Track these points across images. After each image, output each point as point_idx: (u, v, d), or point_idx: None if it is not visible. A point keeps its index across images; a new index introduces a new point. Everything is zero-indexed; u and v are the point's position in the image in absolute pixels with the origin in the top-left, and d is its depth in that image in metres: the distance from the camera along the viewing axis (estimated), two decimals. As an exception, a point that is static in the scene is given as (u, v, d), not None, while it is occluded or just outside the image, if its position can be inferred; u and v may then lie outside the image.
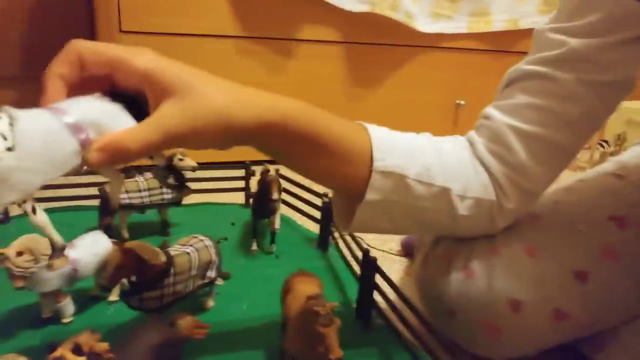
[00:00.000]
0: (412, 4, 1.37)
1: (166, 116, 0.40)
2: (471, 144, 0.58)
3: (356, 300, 0.71)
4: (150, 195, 0.86)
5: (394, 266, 0.89)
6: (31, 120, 0.36)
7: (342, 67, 1.41)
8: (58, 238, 0.42)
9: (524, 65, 0.57)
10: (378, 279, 0.67)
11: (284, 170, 0.90)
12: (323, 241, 0.91)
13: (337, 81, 1.41)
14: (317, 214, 0.95)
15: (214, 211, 1.06)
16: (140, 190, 0.85)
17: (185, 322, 0.54)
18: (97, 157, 0.38)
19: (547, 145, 0.54)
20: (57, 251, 0.41)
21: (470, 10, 1.45)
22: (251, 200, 1.07)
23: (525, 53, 1.63)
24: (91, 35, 1.55)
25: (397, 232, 0.78)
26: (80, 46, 0.41)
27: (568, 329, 0.54)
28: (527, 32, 1.54)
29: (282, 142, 0.47)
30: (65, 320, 0.65)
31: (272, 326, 0.68)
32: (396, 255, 0.94)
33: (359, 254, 0.70)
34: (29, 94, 1.56)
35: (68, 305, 0.65)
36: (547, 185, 0.57)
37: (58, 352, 0.38)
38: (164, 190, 0.87)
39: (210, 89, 0.42)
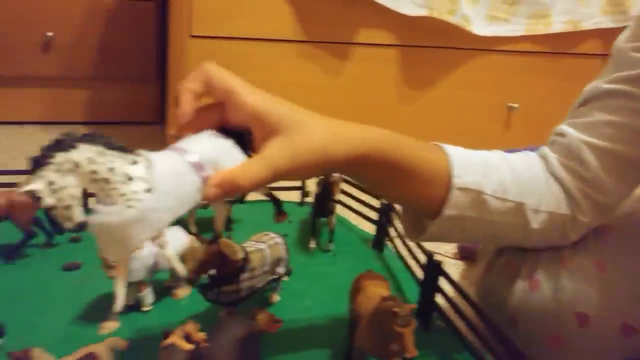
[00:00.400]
0: (469, 8, 1.37)
1: (274, 154, 0.43)
2: (544, 159, 0.59)
3: (417, 301, 0.73)
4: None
5: (449, 269, 0.91)
6: (163, 162, 0.39)
7: (397, 70, 1.42)
8: (181, 269, 0.46)
9: (603, 84, 0.57)
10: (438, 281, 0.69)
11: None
12: (379, 242, 0.94)
13: (392, 83, 1.43)
14: (373, 215, 0.97)
15: (272, 209, 1.09)
16: (209, 189, 0.89)
17: (263, 316, 0.57)
18: (213, 193, 0.41)
19: (622, 160, 0.54)
20: (180, 281, 0.44)
21: (529, 12, 1.43)
22: (306, 199, 1.11)
23: (585, 55, 1.59)
24: (161, 40, 1.63)
25: (466, 242, 0.79)
26: (211, 69, 0.45)
27: (636, 344, 0.54)
28: (588, 34, 1.51)
29: (369, 170, 0.50)
30: (145, 309, 0.70)
31: (336, 323, 0.71)
32: (452, 258, 0.96)
33: (420, 257, 0.72)
34: (102, 94, 1.66)
35: (148, 295, 0.70)
36: (622, 199, 0.57)
37: (171, 339, 0.42)
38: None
39: (311, 126, 0.45)
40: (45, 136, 1.53)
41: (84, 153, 0.36)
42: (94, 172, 0.36)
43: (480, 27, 1.41)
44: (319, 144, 0.45)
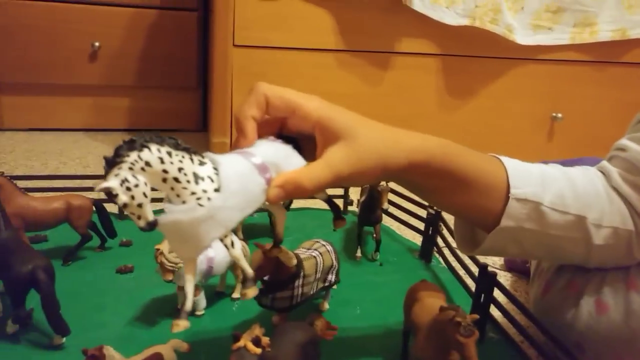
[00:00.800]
0: (512, 17, 1.36)
1: (336, 159, 0.44)
2: (605, 174, 0.57)
3: (470, 312, 0.72)
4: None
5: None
6: (230, 163, 0.40)
7: (438, 79, 1.42)
8: (249, 269, 0.47)
9: None
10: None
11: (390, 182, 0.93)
12: (426, 252, 0.93)
13: (433, 92, 1.42)
14: (420, 225, 0.97)
15: (316, 216, 1.10)
16: (257, 196, 0.91)
17: (320, 323, 0.58)
18: (277, 193, 0.42)
19: None
20: (248, 281, 0.46)
21: (574, 20, 1.41)
22: (349, 208, 1.11)
23: (633, 64, 1.55)
24: (202, 49, 1.67)
25: (523, 257, 0.77)
26: (266, 89, 0.46)
27: None
28: (635, 42, 1.48)
29: (427, 179, 0.51)
30: (198, 313, 0.72)
31: (388, 332, 0.70)
32: (499, 269, 0.94)
33: (471, 268, 0.71)
34: (146, 102, 1.70)
35: (202, 300, 0.71)
36: None
37: (241, 343, 0.43)
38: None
39: (372, 134, 0.46)
40: (91, 142, 1.58)
41: (154, 153, 0.37)
42: (165, 171, 0.37)
43: (524, 36, 1.39)
44: (379, 150, 0.46)
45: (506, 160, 0.54)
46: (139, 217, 0.37)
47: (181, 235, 0.39)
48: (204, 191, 0.38)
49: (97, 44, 1.59)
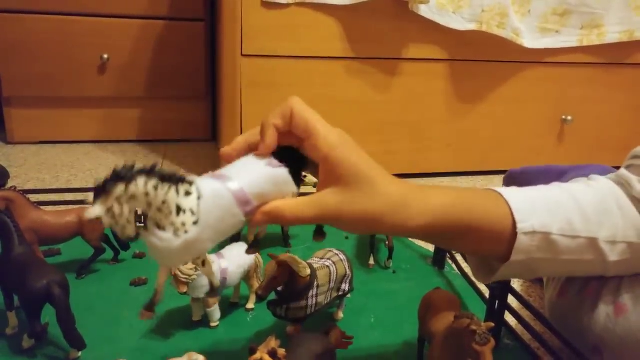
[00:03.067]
0: (519, 21, 1.35)
1: (326, 201, 0.45)
2: (623, 183, 0.55)
3: (485, 319, 0.72)
4: (276, 210, 0.91)
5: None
6: (211, 197, 0.42)
7: (447, 84, 1.41)
8: (217, 282, 0.57)
9: None
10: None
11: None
12: (439, 259, 0.92)
13: (441, 98, 1.42)
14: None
15: (328, 225, 1.10)
16: (268, 205, 0.90)
17: (335, 333, 0.57)
18: (260, 219, 0.45)
19: None
20: (213, 292, 0.54)
21: (581, 23, 1.40)
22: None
23: None
24: (210, 59, 1.68)
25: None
26: (294, 104, 0.46)
27: None
28: (644, 44, 1.47)
29: (435, 235, 0.51)
30: (213, 324, 0.72)
31: (403, 340, 0.70)
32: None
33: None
34: (155, 113, 1.71)
35: (216, 311, 0.71)
36: None
37: (258, 355, 0.43)
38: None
39: (379, 190, 0.46)
40: (102, 154, 1.59)
41: (140, 186, 0.40)
42: (149, 203, 0.40)
43: (531, 40, 1.39)
44: (395, 204, 0.47)
45: (507, 194, 0.52)
46: (122, 234, 0.42)
47: (155, 254, 0.43)
48: (183, 224, 0.41)
49: (105, 56, 1.60)
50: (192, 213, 0.40)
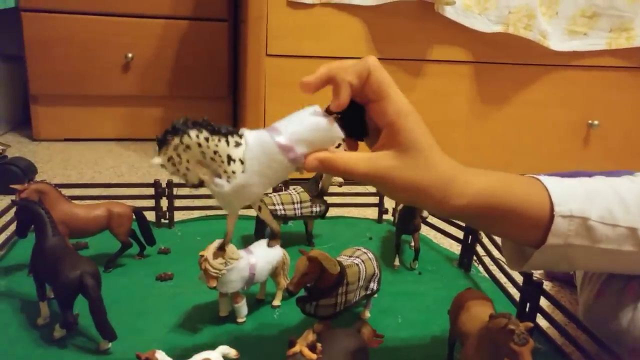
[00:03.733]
0: (546, 23, 1.34)
1: (380, 161, 0.47)
2: None
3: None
4: (302, 208, 0.91)
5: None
6: (255, 146, 0.46)
7: (471, 86, 1.40)
8: (276, 226, 0.63)
9: None
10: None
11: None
12: (465, 261, 0.91)
13: (465, 99, 1.41)
14: (458, 233, 0.95)
15: (351, 225, 1.10)
16: (294, 203, 0.91)
17: (367, 330, 0.57)
18: (313, 165, 0.47)
19: None
20: (273, 237, 0.59)
21: (610, 25, 1.38)
22: (384, 216, 1.10)
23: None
24: (233, 59, 1.69)
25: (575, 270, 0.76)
26: (372, 65, 0.46)
27: None
28: (675, 48, 1.44)
29: (475, 216, 0.52)
30: (240, 320, 0.71)
31: (432, 341, 0.69)
32: (539, 278, 0.92)
33: (515, 277, 0.69)
34: (177, 112, 1.73)
35: (243, 307, 0.71)
36: None
37: (297, 348, 0.42)
38: (314, 203, 0.93)
39: (441, 165, 0.48)
40: (124, 152, 1.61)
41: (193, 139, 0.45)
42: (202, 153, 0.45)
43: (558, 42, 1.37)
44: (432, 184, 0.48)
45: (546, 180, 0.53)
46: (186, 181, 0.48)
47: (216, 199, 0.49)
48: (233, 172, 0.45)
49: (130, 55, 1.62)
50: (241, 162, 0.45)
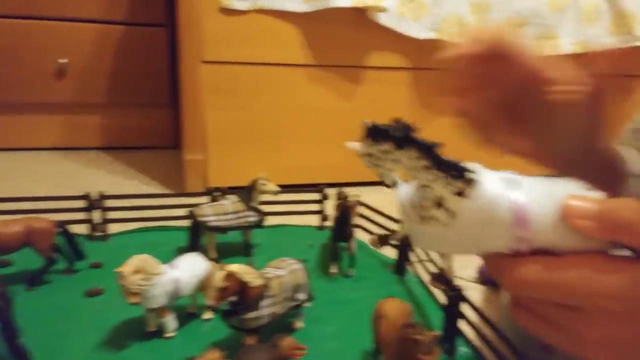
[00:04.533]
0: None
1: None
2: None
3: (443, 327, 0.72)
4: (237, 218, 0.91)
5: (472, 294, 0.90)
6: (480, 206, 0.30)
7: (410, 92, 1.43)
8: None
9: None
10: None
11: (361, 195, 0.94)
12: (400, 266, 0.93)
13: (405, 105, 1.44)
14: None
15: (291, 233, 1.10)
16: (227, 213, 0.90)
17: (286, 343, 0.57)
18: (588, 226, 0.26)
19: None
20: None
21: (536, 34, 1.45)
22: (326, 223, 1.11)
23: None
24: (171, 65, 1.66)
25: None
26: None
27: None
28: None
29: None
30: (167, 335, 0.70)
31: (361, 350, 0.70)
32: (474, 282, 0.95)
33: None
34: (117, 120, 1.68)
35: (171, 321, 0.70)
36: None
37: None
38: (249, 213, 0.92)
39: None
40: (63, 162, 1.55)
41: (409, 158, 0.33)
42: (411, 173, 0.33)
43: (491, 49, 1.42)
44: None
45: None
46: (380, 177, 0.36)
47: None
48: (431, 218, 0.33)
49: (63, 61, 1.56)
50: (451, 215, 0.31)
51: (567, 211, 0.25)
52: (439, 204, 0.31)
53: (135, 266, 0.64)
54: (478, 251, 0.31)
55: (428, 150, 0.32)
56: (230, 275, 0.61)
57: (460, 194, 0.30)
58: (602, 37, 1.49)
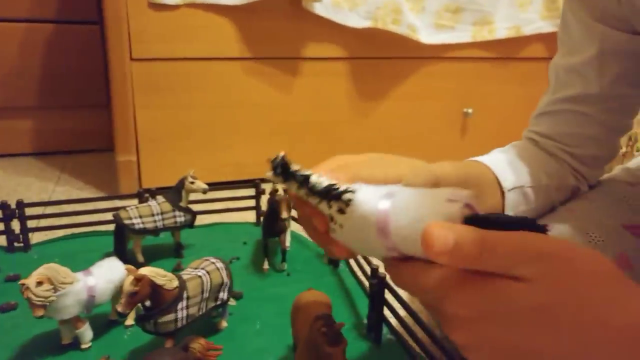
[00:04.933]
0: (414, 17, 1.39)
1: None
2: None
3: (367, 316, 0.72)
4: (163, 219, 0.88)
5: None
6: (356, 217, 0.33)
7: (349, 83, 1.42)
8: None
9: (550, 106, 0.59)
10: (388, 295, 0.68)
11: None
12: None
13: (345, 96, 1.43)
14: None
15: (226, 231, 1.07)
16: (153, 215, 0.87)
17: (198, 345, 0.55)
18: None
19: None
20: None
21: (473, 19, 1.46)
22: (262, 219, 1.09)
23: (530, 59, 1.62)
24: (104, 64, 1.60)
25: None
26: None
27: None
28: (531, 38, 1.55)
29: None
30: (84, 346, 0.67)
31: (284, 346, 0.69)
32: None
33: (369, 270, 0.71)
34: (49, 123, 1.61)
35: (87, 331, 0.67)
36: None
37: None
38: (177, 213, 0.89)
39: None
40: (-9, 170, 1.47)
41: (295, 189, 0.36)
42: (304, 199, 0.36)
43: (428, 36, 1.43)
44: None
45: (485, 160, 0.54)
46: None
47: None
48: (333, 230, 0.35)
49: (-12, 63, 1.48)
50: (340, 228, 0.34)
51: (425, 240, 0.26)
52: (331, 218, 0.34)
53: (40, 277, 0.61)
54: (372, 256, 0.34)
55: (304, 182, 0.34)
56: (139, 280, 0.58)
57: (340, 211, 0.33)
58: (534, 21, 1.52)
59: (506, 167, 0.54)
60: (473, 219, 0.27)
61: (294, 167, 0.35)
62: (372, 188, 0.33)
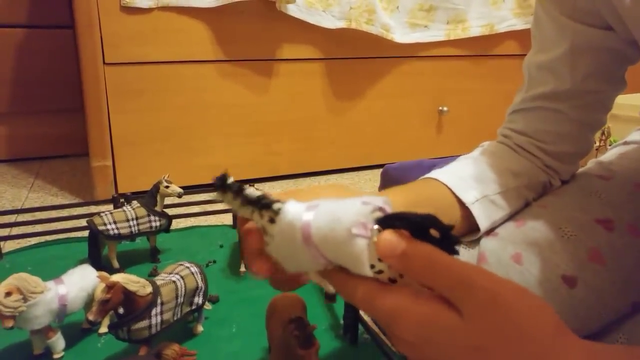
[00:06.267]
0: (388, 17, 1.39)
1: None
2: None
3: (343, 316, 0.72)
4: (139, 224, 0.87)
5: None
6: (282, 228, 0.33)
7: (324, 83, 1.43)
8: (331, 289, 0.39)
9: (524, 103, 0.60)
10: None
11: (268, 189, 0.92)
12: (311, 258, 0.92)
13: (320, 97, 1.43)
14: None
15: (203, 234, 1.07)
16: (128, 220, 0.86)
17: (172, 351, 0.55)
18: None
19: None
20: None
21: (447, 18, 1.47)
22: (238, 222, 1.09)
23: (503, 56, 1.64)
24: (78, 69, 1.58)
25: None
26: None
27: None
28: (504, 36, 1.57)
29: None
30: (56, 356, 0.66)
31: (260, 349, 0.69)
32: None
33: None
34: (23, 129, 1.58)
35: (58, 341, 0.66)
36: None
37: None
38: (152, 217, 0.89)
39: None
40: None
41: (230, 200, 0.36)
42: (238, 213, 0.36)
43: (402, 35, 1.44)
44: None
45: (439, 176, 0.55)
46: None
47: None
48: (267, 243, 0.35)
49: (-41, 69, 1.46)
50: (271, 238, 0.34)
51: (379, 246, 0.28)
52: (265, 230, 0.34)
53: (8, 287, 0.60)
54: (301, 270, 0.34)
55: (239, 192, 0.35)
56: (111, 287, 0.57)
57: (271, 220, 0.33)
58: (507, 19, 1.55)
59: (467, 181, 0.55)
60: (384, 219, 0.29)
61: (231, 180, 0.35)
62: (302, 202, 0.34)
